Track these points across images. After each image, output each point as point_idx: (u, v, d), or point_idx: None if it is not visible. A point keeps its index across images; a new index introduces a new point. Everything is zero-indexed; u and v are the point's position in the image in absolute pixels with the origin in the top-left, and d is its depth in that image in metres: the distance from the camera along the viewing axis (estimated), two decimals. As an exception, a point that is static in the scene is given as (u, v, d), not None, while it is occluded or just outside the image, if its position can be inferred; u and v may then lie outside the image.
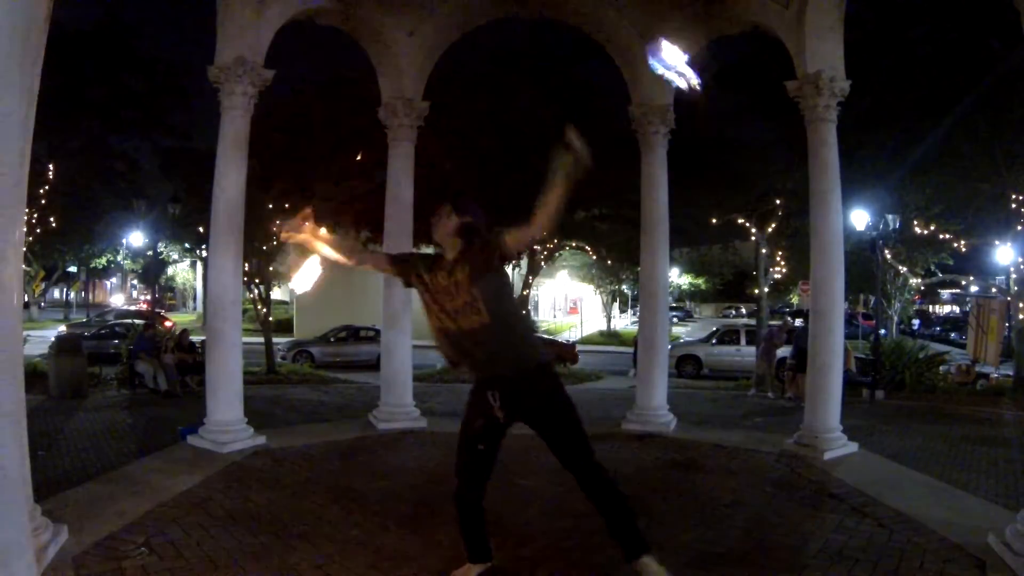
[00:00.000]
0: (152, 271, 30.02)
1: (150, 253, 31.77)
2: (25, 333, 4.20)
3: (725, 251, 26.85)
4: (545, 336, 24.72)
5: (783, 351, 13.08)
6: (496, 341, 3.05)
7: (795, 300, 37.07)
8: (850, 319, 27.10)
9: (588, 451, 3.16)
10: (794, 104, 6.78)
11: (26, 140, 3.03)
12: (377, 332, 17.12)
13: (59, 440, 7.02)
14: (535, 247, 18.82)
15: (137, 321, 22.11)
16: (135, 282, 53.87)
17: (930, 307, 47.33)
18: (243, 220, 6.54)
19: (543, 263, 19.86)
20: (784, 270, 21.39)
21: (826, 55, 6.52)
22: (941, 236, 17.37)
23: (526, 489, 5.05)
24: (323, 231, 3.34)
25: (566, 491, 5.04)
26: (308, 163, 13.78)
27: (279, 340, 19.36)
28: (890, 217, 14.40)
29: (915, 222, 16.85)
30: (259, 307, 16.16)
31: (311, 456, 6.22)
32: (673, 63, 3.42)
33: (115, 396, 10.72)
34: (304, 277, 3.37)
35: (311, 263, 3.32)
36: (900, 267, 21.95)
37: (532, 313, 30.66)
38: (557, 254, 21.83)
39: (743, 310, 52.06)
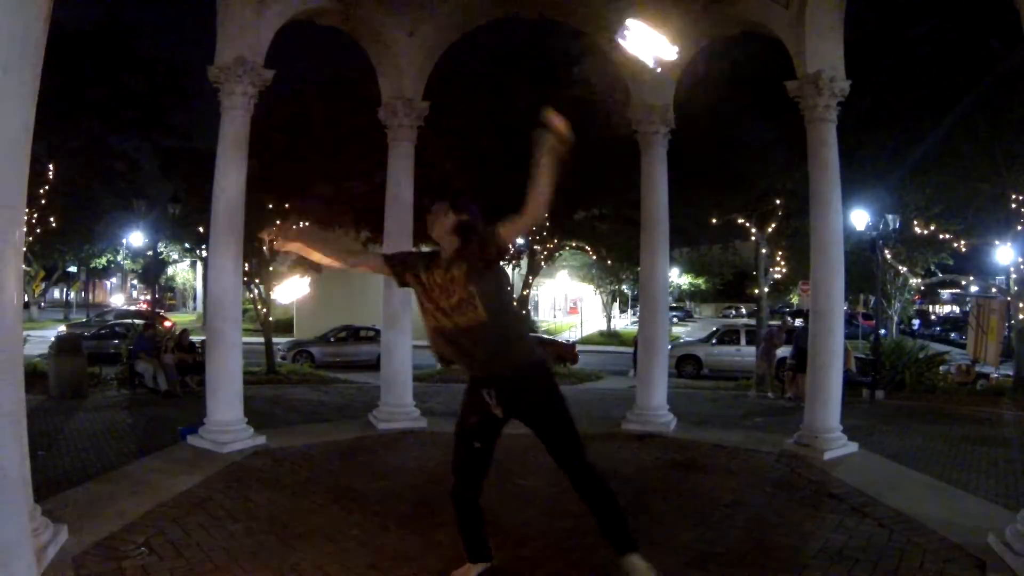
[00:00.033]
0: (152, 271, 30.03)
1: (150, 253, 31.79)
2: (25, 333, 4.20)
3: (725, 251, 26.84)
4: (545, 336, 24.71)
5: (783, 351, 13.07)
6: (493, 339, 3.05)
7: (795, 300, 37.07)
8: (850, 319, 27.10)
9: (581, 450, 3.17)
10: (794, 104, 6.78)
11: (26, 140, 3.03)
12: (377, 332, 17.13)
13: (59, 440, 7.02)
14: (535, 247, 18.84)
15: (137, 321, 22.12)
16: (135, 282, 53.88)
17: (930, 307, 47.31)
18: (243, 220, 6.54)
19: (543, 263, 19.84)
20: (784, 270, 21.37)
21: (826, 55, 6.52)
22: (941, 236, 17.36)
23: (525, 489, 5.05)
24: (313, 237, 3.34)
25: (565, 491, 5.03)
26: (308, 163, 13.77)
27: (279, 340, 19.36)
28: (890, 217, 14.39)
29: (915, 222, 16.84)
30: (259, 307, 16.16)
31: (311, 456, 6.23)
32: (643, 44, 3.45)
33: (115, 396, 10.72)
34: (290, 289, 3.39)
35: (298, 278, 3.34)
36: (900, 267, 21.95)
37: (532, 313, 30.66)
38: (557, 254, 21.81)
39: (743, 310, 52.06)
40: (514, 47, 14.87)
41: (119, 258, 38.33)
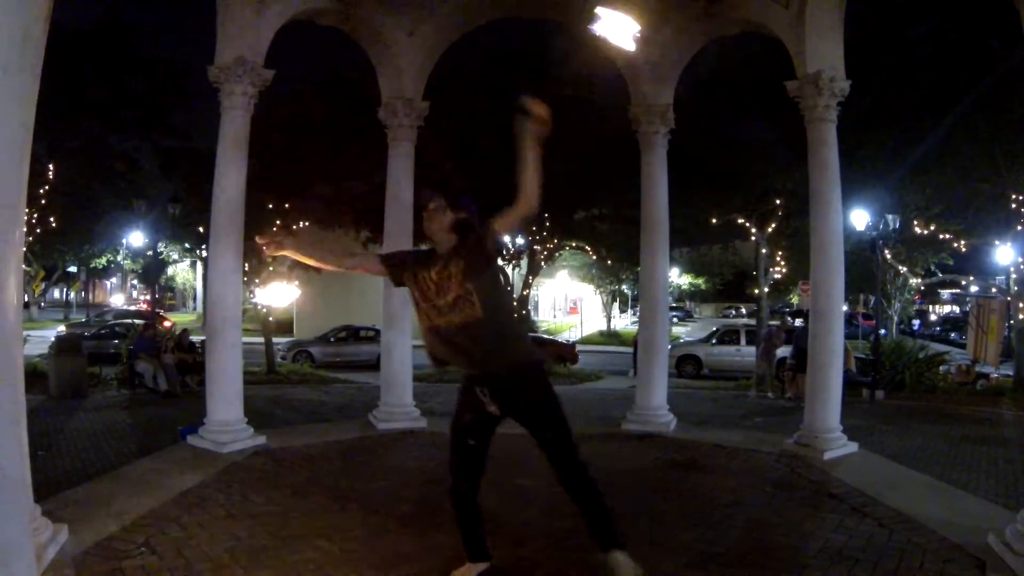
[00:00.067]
0: (152, 271, 30.03)
1: (150, 253, 31.80)
2: (25, 333, 4.20)
3: (725, 251, 26.88)
4: (545, 336, 24.72)
5: (783, 351, 13.08)
6: (490, 336, 3.05)
7: (795, 300, 37.06)
8: (850, 319, 27.11)
9: (574, 450, 3.18)
10: (794, 104, 6.78)
11: (26, 140, 3.03)
12: (377, 332, 17.14)
13: (59, 440, 7.02)
14: (535, 247, 18.85)
15: (137, 321, 22.13)
16: (135, 282, 53.88)
17: (930, 307, 47.31)
18: (243, 220, 6.54)
19: (543, 263, 19.86)
20: (784, 270, 21.38)
21: (826, 55, 6.52)
22: (941, 236, 17.37)
23: (525, 489, 5.05)
24: (306, 242, 3.35)
25: (565, 491, 5.05)
26: (308, 163, 13.78)
27: (279, 340, 19.37)
28: (890, 217, 14.39)
29: (915, 222, 16.85)
30: (259, 307, 16.16)
31: (311, 456, 6.22)
32: (613, 28, 3.50)
33: (115, 396, 10.72)
34: (279, 294, 3.40)
35: (287, 284, 3.36)
36: (900, 267, 21.96)
37: (532, 313, 30.65)
38: (557, 254, 21.84)
39: (743, 310, 52.08)
40: (514, 47, 14.89)
41: (119, 258, 38.33)
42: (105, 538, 3.93)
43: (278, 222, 14.04)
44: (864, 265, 18.21)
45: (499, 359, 3.08)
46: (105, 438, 7.21)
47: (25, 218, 3.52)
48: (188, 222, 18.55)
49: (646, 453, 6.60)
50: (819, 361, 6.65)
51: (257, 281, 15.56)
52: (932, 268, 23.19)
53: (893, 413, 9.75)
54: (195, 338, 12.13)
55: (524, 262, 20.04)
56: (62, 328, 23.25)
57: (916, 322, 38.45)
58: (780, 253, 19.34)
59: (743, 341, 19.12)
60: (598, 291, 39.16)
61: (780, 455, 6.40)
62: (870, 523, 4.45)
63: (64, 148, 15.14)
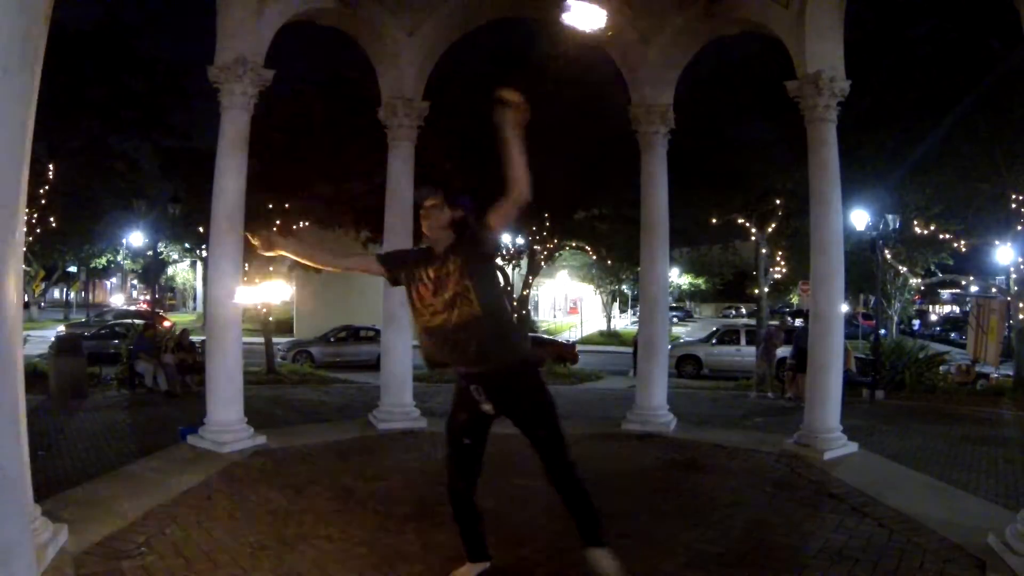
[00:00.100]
0: (152, 271, 30.02)
1: (150, 253, 31.79)
2: (25, 333, 4.20)
3: (725, 251, 26.86)
4: (545, 336, 24.72)
5: (783, 351, 13.07)
6: (487, 332, 3.05)
7: (795, 300, 37.08)
8: (850, 319, 27.11)
9: (564, 449, 3.19)
10: (794, 104, 6.78)
11: (26, 140, 3.03)
12: (377, 332, 17.13)
13: (59, 440, 7.02)
14: (535, 247, 18.84)
15: (137, 321, 22.12)
16: (135, 282, 53.87)
17: (930, 307, 47.31)
18: (243, 220, 6.54)
19: (543, 263, 19.85)
20: (784, 270, 21.39)
21: (826, 55, 6.52)
22: (941, 236, 17.37)
23: (525, 489, 5.04)
24: (301, 241, 3.35)
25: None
26: (308, 163, 13.78)
27: (279, 340, 19.36)
28: (890, 217, 14.39)
29: (915, 222, 16.85)
30: (259, 307, 16.15)
31: (311, 456, 6.23)
32: (582, 16, 3.54)
33: (115, 396, 10.72)
34: (269, 292, 3.40)
35: (277, 283, 3.37)
36: (900, 267, 21.96)
37: (532, 313, 30.66)
38: (557, 254, 21.83)
39: (743, 310, 52.07)
40: (514, 47, 14.87)
41: (119, 258, 38.31)
42: (105, 538, 3.93)
43: (277, 222, 14.04)
44: (864, 265, 18.21)
45: (496, 356, 3.08)
46: (105, 438, 7.21)
47: (25, 218, 3.52)
48: (188, 222, 18.53)
49: (646, 453, 6.60)
50: (819, 361, 6.65)
51: (258, 280, 15.56)
52: (932, 268, 23.19)
53: (893, 413, 9.75)
54: (195, 338, 12.12)
55: (524, 262, 20.03)
56: (62, 328, 23.25)
57: (916, 322, 38.46)
58: (780, 253, 19.35)
59: (743, 341, 19.11)
60: (598, 291, 39.15)
61: (780, 455, 6.40)
62: (870, 523, 4.45)
63: (64, 148, 15.14)
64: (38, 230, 16.10)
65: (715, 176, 14.54)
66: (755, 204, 16.24)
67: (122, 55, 14.95)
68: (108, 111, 15.49)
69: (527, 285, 19.34)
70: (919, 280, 24.44)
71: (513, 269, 20.49)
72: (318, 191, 14.25)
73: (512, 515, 4.40)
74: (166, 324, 19.70)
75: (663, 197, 7.87)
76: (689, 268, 41.02)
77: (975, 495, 5.34)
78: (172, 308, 46.86)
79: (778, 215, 16.10)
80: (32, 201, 13.80)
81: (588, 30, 3.64)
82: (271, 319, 16.65)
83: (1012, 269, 15.23)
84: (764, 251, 16.89)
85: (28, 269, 28.55)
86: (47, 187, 14.92)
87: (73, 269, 39.59)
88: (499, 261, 19.47)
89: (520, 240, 20.21)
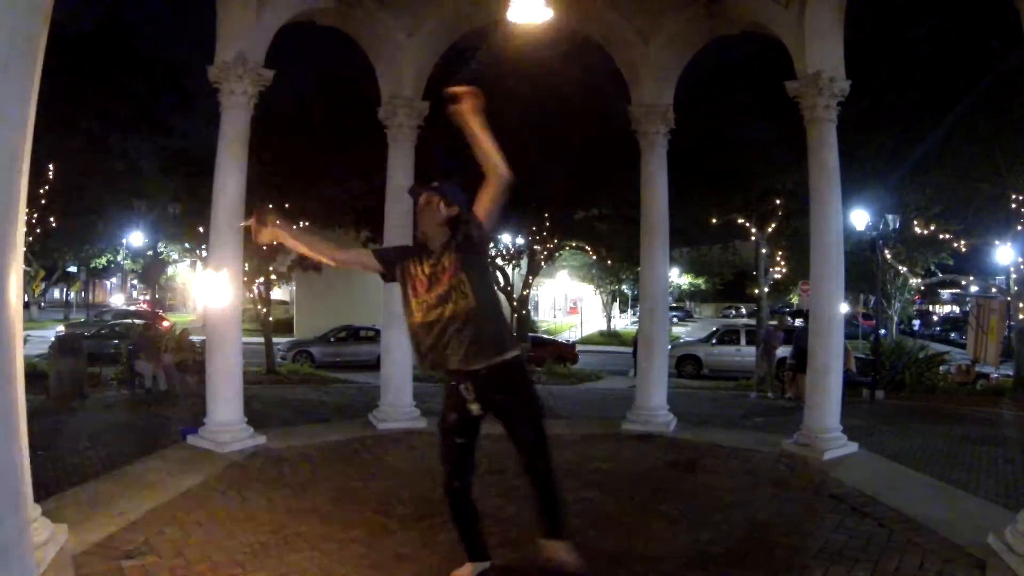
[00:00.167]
0: (152, 271, 30.02)
1: (150, 253, 31.80)
2: (25, 333, 4.20)
3: (725, 251, 26.87)
4: (545, 336, 24.72)
5: (783, 351, 13.07)
6: (482, 325, 3.07)
7: (795, 300, 37.07)
8: (850, 319, 27.11)
9: (548, 448, 3.23)
10: (794, 104, 6.78)
11: (26, 140, 3.03)
12: (377, 332, 17.13)
13: (59, 440, 7.02)
14: (535, 247, 18.84)
15: (136, 321, 22.12)
16: (135, 282, 53.85)
17: (930, 307, 47.32)
18: (243, 220, 6.53)
19: (543, 263, 19.85)
20: (784, 270, 21.39)
21: (826, 55, 6.52)
22: (941, 236, 17.37)
23: (525, 489, 5.05)
24: (293, 228, 3.34)
25: (566, 491, 5.04)
26: (308, 163, 13.78)
27: (279, 340, 19.36)
28: (890, 217, 14.39)
29: (915, 222, 16.85)
30: (259, 307, 16.16)
31: (311, 456, 6.22)
32: (527, 11, 3.55)
33: (115, 396, 10.71)
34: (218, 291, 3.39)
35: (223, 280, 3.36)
36: (900, 267, 21.96)
37: (532, 313, 30.64)
38: (557, 254, 21.83)
39: (743, 310, 52.06)
40: (514, 47, 14.87)
41: (119, 258, 38.30)
42: (105, 538, 3.93)
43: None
44: (864, 265, 18.20)
45: (490, 350, 3.09)
46: (105, 438, 7.21)
47: (25, 218, 3.52)
48: (188, 222, 18.54)
49: (646, 453, 6.60)
50: (819, 361, 6.65)
51: (258, 280, 15.54)
52: (932, 268, 23.19)
53: (893, 413, 9.75)
54: (195, 338, 12.12)
55: (524, 262, 20.03)
56: (62, 328, 23.24)
57: (917, 322, 38.46)
58: (780, 253, 19.34)
59: (743, 341, 19.12)
60: (598, 291, 39.15)
61: (780, 455, 6.40)
62: (870, 523, 4.45)
63: (64, 148, 15.13)
64: (38, 230, 16.11)
65: (715, 176, 14.54)
66: (755, 204, 16.23)
67: (122, 55, 14.94)
68: (108, 111, 15.49)
69: (527, 285, 19.35)
70: (919, 280, 24.44)
71: (513, 269, 20.48)
72: (318, 191, 14.26)
73: (511, 515, 4.39)
74: (165, 324, 19.72)
75: (663, 197, 7.87)
76: (689, 268, 41.01)
77: (975, 495, 5.34)
78: (172, 308, 46.84)
79: (778, 215, 16.10)
80: (32, 201, 13.80)
81: (537, 22, 3.66)
82: (271, 319, 16.65)
83: (1012, 269, 15.24)
84: (764, 251, 16.89)
85: (28, 269, 28.54)
86: (47, 187, 14.92)
87: (73, 269, 39.55)
88: (499, 261, 19.54)
89: (520, 240, 20.21)
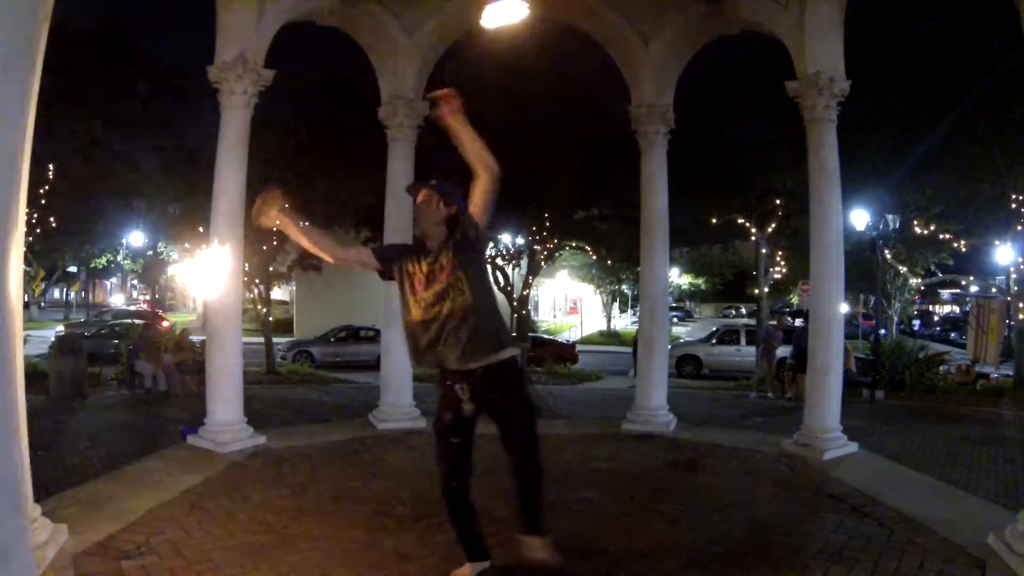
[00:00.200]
0: (152, 271, 30.01)
1: (150, 253, 31.78)
2: (25, 333, 4.20)
3: (725, 251, 26.86)
4: (545, 336, 24.72)
5: (783, 351, 13.07)
6: (479, 323, 3.09)
7: (795, 300, 37.07)
8: (850, 319, 27.12)
9: (539, 447, 3.25)
10: (794, 104, 6.78)
11: (26, 140, 3.03)
12: (377, 332, 17.13)
13: (59, 440, 7.01)
14: (535, 247, 18.84)
15: (136, 321, 22.12)
16: (135, 282, 53.85)
17: (930, 307, 47.32)
18: (243, 220, 6.54)
19: (543, 263, 19.85)
20: (784, 270, 21.38)
21: (826, 55, 6.52)
22: (941, 236, 17.36)
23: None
24: (300, 221, 3.33)
25: (566, 491, 5.05)
26: (308, 163, 13.77)
27: (279, 340, 19.35)
28: (890, 217, 14.40)
29: (915, 222, 16.85)
30: (259, 307, 16.16)
31: (311, 456, 6.22)
32: (499, 16, 3.55)
33: (115, 396, 10.71)
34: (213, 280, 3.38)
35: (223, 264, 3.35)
36: (900, 267, 21.96)
37: (532, 313, 30.65)
38: (557, 254, 21.83)
39: (743, 310, 52.05)
40: (513, 47, 14.87)
41: (119, 258, 38.30)
42: (105, 538, 3.93)
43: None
44: (864, 265, 18.21)
45: (487, 348, 3.10)
46: (105, 438, 7.21)
47: (25, 218, 3.52)
48: (188, 222, 18.53)
49: (646, 453, 6.60)
50: (819, 361, 6.65)
51: (258, 280, 15.54)
52: (932, 268, 23.19)
53: (893, 413, 9.75)
54: (195, 338, 12.12)
55: (524, 262, 20.03)
56: (62, 328, 23.25)
57: (917, 322, 38.47)
58: (780, 253, 19.34)
59: (743, 341, 19.11)
60: (598, 291, 39.14)
61: (780, 455, 6.40)
62: (870, 523, 4.45)
63: (64, 148, 15.12)
64: (38, 230, 16.08)
65: (715, 176, 14.54)
66: (755, 204, 16.23)
67: (122, 55, 14.94)
68: (108, 111, 15.47)
69: (527, 285, 19.34)
70: (919, 280, 24.45)
71: (513, 269, 20.48)
72: (318, 191, 14.24)
73: (511, 515, 4.39)
74: (164, 325, 19.73)
75: (663, 197, 7.87)
76: (689, 268, 41.01)
77: (975, 495, 5.34)
78: (172, 308, 46.84)
79: (778, 215, 16.10)
80: (32, 201, 13.78)
81: (515, 22, 3.66)
82: (271, 319, 16.64)
83: (1012, 269, 15.23)
84: (764, 251, 16.89)
85: (28, 269, 28.52)
86: (47, 187, 14.90)
87: (73, 269, 39.56)
88: (499, 261, 19.54)
89: (520, 240, 20.21)
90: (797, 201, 13.87)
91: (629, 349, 20.94)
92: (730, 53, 13.30)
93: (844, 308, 7.32)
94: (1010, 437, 8.09)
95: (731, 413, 10.10)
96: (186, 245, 29.29)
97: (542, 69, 13.84)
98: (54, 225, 16.88)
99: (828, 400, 6.56)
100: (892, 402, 10.94)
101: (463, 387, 3.13)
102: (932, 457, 6.82)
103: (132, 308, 35.94)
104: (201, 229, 15.68)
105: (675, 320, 40.47)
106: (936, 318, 43.13)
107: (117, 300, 49.73)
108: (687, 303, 56.58)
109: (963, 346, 19.18)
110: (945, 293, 43.71)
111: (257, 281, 15.57)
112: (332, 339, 20.63)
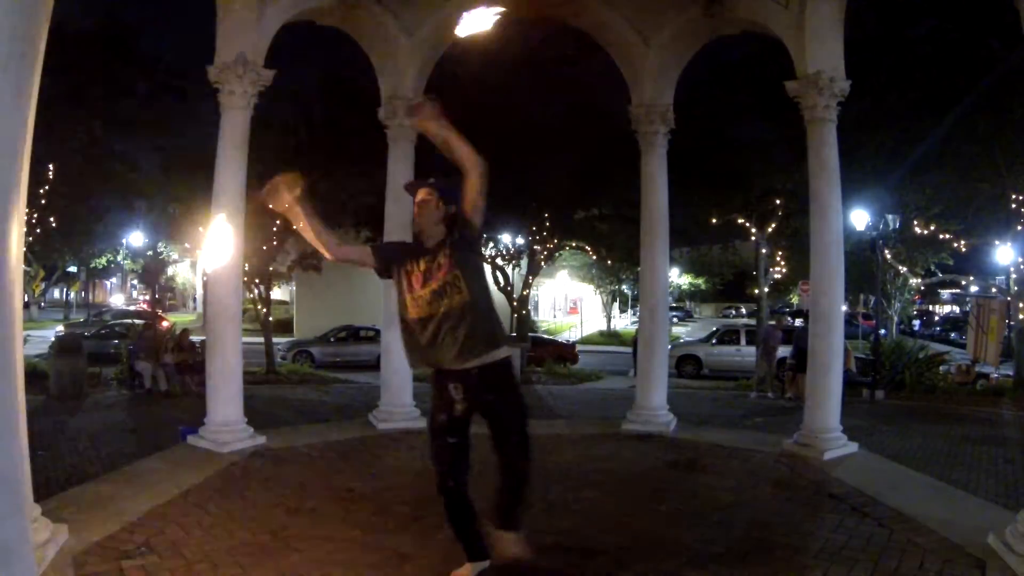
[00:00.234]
0: (152, 271, 29.99)
1: (150, 253, 31.77)
2: (25, 333, 4.20)
3: (725, 251, 26.86)
4: (545, 336, 24.71)
5: (783, 351, 13.07)
6: (475, 321, 3.10)
7: (795, 300, 37.06)
8: (850, 319, 27.12)
9: (529, 447, 3.25)
10: (794, 104, 6.78)
11: (26, 139, 3.03)
12: (377, 332, 17.13)
13: (59, 440, 7.02)
14: (535, 247, 18.83)
15: (136, 321, 22.11)
16: (135, 282, 53.84)
17: (930, 307, 47.31)
18: (244, 220, 6.54)
19: (543, 263, 19.85)
20: (784, 270, 21.37)
21: (826, 55, 6.52)
22: (941, 236, 17.36)
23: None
24: (309, 211, 3.34)
25: (566, 491, 5.06)
26: (308, 163, 13.77)
27: (279, 340, 19.35)
28: (890, 217, 14.39)
29: (915, 222, 16.83)
30: (259, 307, 16.16)
31: (311, 456, 6.23)
32: (474, 24, 3.57)
33: (115, 396, 10.72)
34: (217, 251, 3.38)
35: (226, 236, 3.35)
36: (900, 267, 21.96)
37: (532, 313, 30.66)
38: (557, 254, 21.82)
39: (743, 310, 52.03)
40: (514, 47, 14.88)
41: (119, 258, 38.30)
42: (105, 538, 3.93)
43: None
44: (864, 265, 18.21)
45: (483, 346, 3.11)
46: (105, 438, 7.21)
47: (25, 218, 3.52)
48: (188, 222, 18.53)
49: (646, 453, 6.60)
50: (819, 361, 6.65)
51: (258, 280, 15.54)
52: (932, 268, 23.19)
53: (893, 413, 9.75)
54: (195, 338, 12.12)
55: (524, 262, 20.03)
56: (61, 328, 23.25)
57: (917, 322, 38.46)
58: (780, 253, 19.33)
59: (743, 341, 19.11)
60: (598, 291, 39.14)
61: (780, 455, 6.40)
62: (870, 523, 4.45)
63: (64, 148, 15.12)
64: (38, 230, 16.07)
65: (715, 176, 14.53)
66: (755, 204, 16.22)
67: (122, 55, 14.93)
68: (108, 111, 15.47)
69: (527, 285, 19.33)
70: (919, 280, 24.44)
71: (513, 269, 20.48)
72: (318, 191, 14.23)
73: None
74: (164, 325, 19.74)
75: (663, 197, 7.87)
76: (689, 268, 41.00)
77: (975, 495, 5.34)
78: (172, 308, 46.83)
79: (778, 215, 16.08)
80: (32, 201, 13.78)
81: (486, 28, 3.68)
82: (271, 319, 16.64)
83: (1012, 269, 15.23)
84: (764, 251, 16.88)
85: (28, 269, 28.52)
86: (47, 187, 14.91)
87: (73, 269, 39.56)
88: (499, 261, 19.53)
89: (520, 240, 20.20)
90: (797, 201, 13.86)
91: (629, 349, 20.94)
92: (730, 53, 13.30)
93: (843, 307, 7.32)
94: (1010, 437, 8.09)
95: (731, 413, 10.10)
96: (186, 245, 29.37)
97: (542, 69, 13.85)
98: (54, 225, 16.87)
99: (828, 400, 6.56)
100: (892, 402, 10.93)
101: (457, 387, 3.14)
102: (932, 457, 6.82)
103: (132, 308, 35.90)
104: (201, 229, 15.69)
105: (675, 320, 40.45)
106: (936, 318, 43.11)
107: (117, 300, 49.73)
108: (687, 303, 56.56)
109: (963, 346, 19.18)
110: (945, 293, 43.71)
111: (257, 281, 15.57)
112: (332, 339, 20.63)
